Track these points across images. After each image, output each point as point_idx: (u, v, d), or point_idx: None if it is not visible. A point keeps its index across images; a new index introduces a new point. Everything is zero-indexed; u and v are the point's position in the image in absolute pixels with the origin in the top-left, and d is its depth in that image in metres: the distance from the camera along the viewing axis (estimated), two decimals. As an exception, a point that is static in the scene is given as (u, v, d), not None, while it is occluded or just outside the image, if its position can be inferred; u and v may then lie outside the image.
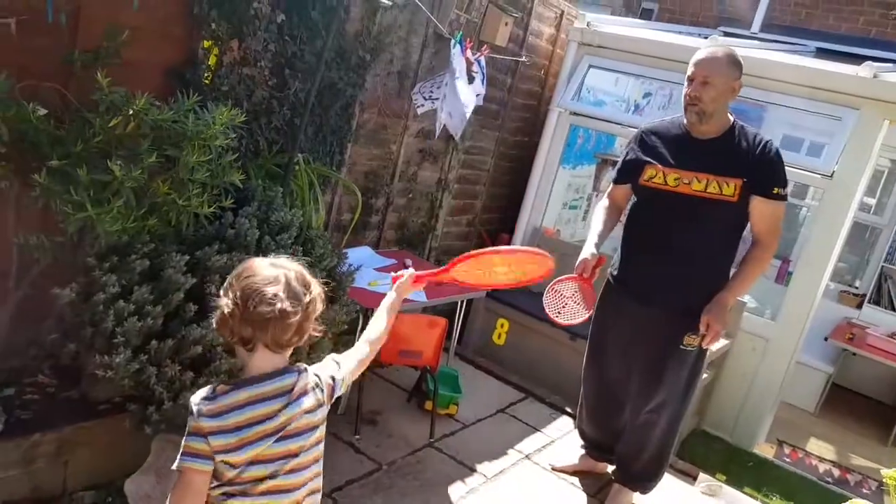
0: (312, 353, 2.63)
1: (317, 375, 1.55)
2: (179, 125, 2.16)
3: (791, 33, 5.61)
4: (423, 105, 3.77)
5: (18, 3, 2.13)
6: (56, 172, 2.02)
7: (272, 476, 1.43)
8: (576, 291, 2.67)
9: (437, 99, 3.73)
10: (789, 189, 2.64)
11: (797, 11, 6.19)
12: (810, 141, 5.40)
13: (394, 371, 3.78)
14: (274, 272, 1.44)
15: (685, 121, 2.68)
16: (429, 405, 3.42)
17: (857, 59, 4.16)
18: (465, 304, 3.86)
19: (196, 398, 1.41)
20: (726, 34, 5.60)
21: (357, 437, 3.13)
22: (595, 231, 2.81)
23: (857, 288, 6.01)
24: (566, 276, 2.68)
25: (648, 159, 2.72)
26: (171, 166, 2.19)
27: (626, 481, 2.99)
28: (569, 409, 3.83)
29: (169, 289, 2.21)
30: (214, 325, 1.45)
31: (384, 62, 3.61)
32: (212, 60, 2.78)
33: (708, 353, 2.82)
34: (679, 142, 2.68)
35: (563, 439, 3.59)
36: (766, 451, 4.37)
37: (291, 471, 1.46)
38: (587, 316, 2.66)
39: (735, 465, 4.02)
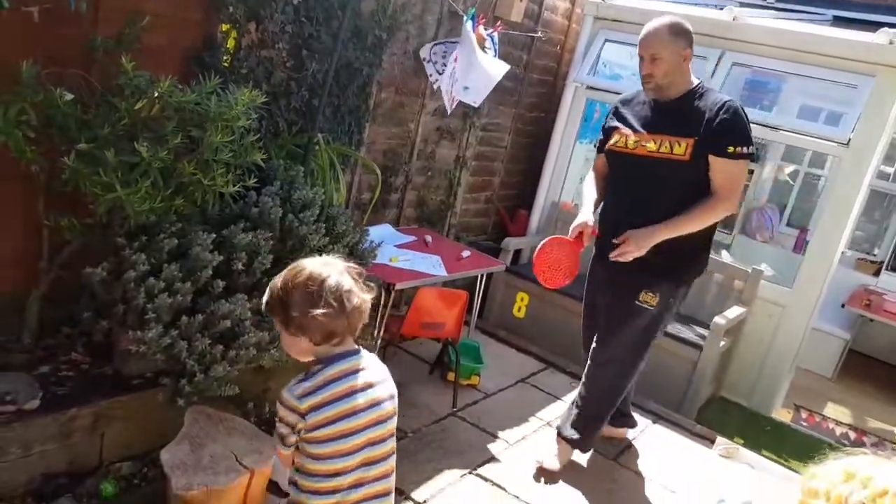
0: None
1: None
2: (202, 107, 2.22)
3: (807, 2, 5.53)
4: (432, 75, 3.79)
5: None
6: (84, 155, 2.09)
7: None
8: (560, 254, 2.77)
9: (442, 73, 3.76)
10: (752, 148, 2.62)
11: (814, -22, 6.08)
12: (828, 110, 5.36)
13: (416, 344, 3.85)
14: (338, 268, 1.56)
15: None
16: (451, 376, 3.49)
17: (875, 27, 4.12)
18: (484, 278, 3.91)
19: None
20: (742, 5, 5.53)
21: (381, 408, 3.21)
22: (589, 198, 2.89)
23: (874, 255, 5.99)
24: (559, 236, 2.80)
25: (615, 125, 2.82)
26: (196, 147, 2.25)
27: (562, 436, 3.00)
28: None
29: (197, 266, 2.28)
30: (297, 332, 1.55)
31: (400, 41, 3.64)
32: (230, 44, 2.84)
33: (665, 320, 2.86)
34: (641, 106, 2.78)
35: (582, 408, 3.65)
36: (783, 415, 4.42)
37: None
38: (571, 279, 2.79)
39: (753, 429, 4.08)
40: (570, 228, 2.78)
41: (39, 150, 2.18)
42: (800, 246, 5.49)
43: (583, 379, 2.99)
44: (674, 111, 2.67)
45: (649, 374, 3.99)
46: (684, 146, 2.61)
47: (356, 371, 1.60)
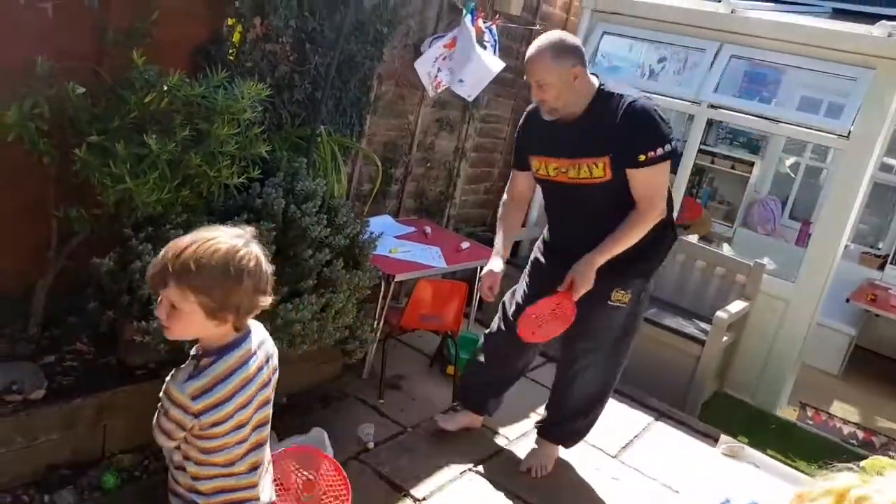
0: (337, 318, 2.73)
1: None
2: (210, 100, 2.25)
3: (807, -6, 5.54)
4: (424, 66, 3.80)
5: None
6: (95, 147, 2.12)
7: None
8: (556, 307, 2.57)
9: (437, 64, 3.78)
10: (668, 146, 2.42)
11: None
12: (829, 102, 5.36)
13: (416, 337, 3.87)
14: (253, 242, 1.46)
15: None
16: (451, 370, 3.51)
17: (874, 19, 4.13)
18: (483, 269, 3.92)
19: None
20: (743, -3, 5.54)
21: (381, 401, 3.23)
22: (501, 238, 2.79)
23: (879, 249, 5.99)
24: (544, 299, 2.57)
25: (531, 148, 2.71)
26: (202, 140, 2.28)
27: (550, 435, 2.99)
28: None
29: (201, 257, 2.30)
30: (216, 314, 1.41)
31: (400, 34, 3.66)
32: (236, 37, 2.86)
33: (641, 311, 2.78)
34: (550, 127, 2.58)
35: (583, 401, 3.67)
36: (788, 413, 4.38)
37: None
38: (567, 326, 2.59)
39: (758, 427, 4.04)
40: (481, 280, 2.72)
41: (52, 142, 2.21)
42: (803, 239, 5.49)
43: (557, 385, 2.91)
44: (580, 130, 2.50)
45: (650, 369, 4.03)
46: (601, 166, 2.47)
47: (249, 358, 1.50)
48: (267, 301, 1.47)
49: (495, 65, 3.80)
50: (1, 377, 2.21)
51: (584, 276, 2.47)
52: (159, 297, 1.41)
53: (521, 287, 2.93)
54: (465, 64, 3.73)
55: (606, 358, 2.80)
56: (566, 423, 2.95)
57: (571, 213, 2.70)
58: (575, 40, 2.48)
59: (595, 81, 2.50)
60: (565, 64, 2.40)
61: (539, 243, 2.93)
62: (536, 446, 3.04)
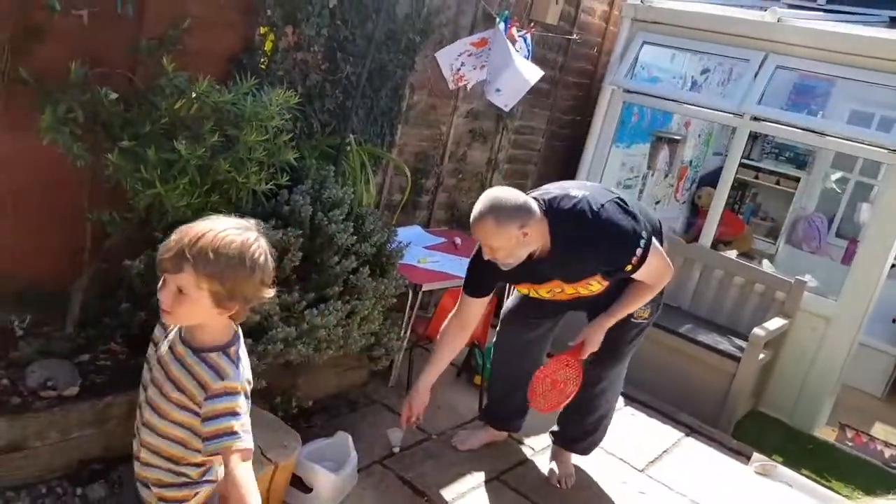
0: (363, 325, 2.74)
1: None
2: (239, 107, 2.29)
3: (862, 3, 5.37)
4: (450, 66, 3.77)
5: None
6: (126, 152, 2.18)
7: None
8: (566, 367, 2.65)
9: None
10: (643, 241, 2.35)
11: (867, -20, 5.90)
12: (881, 115, 5.20)
13: (446, 347, 3.85)
14: (254, 231, 1.48)
15: None
16: (477, 380, 3.50)
17: (934, 28, 3.98)
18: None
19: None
20: (791, 6, 5.41)
21: (408, 408, 3.23)
22: (437, 361, 2.70)
23: (929, 269, 5.74)
24: (553, 360, 2.68)
25: (507, 279, 2.64)
26: (231, 146, 2.32)
27: (569, 444, 2.99)
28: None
29: (229, 262, 2.34)
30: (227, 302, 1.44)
31: (433, 43, 3.67)
32: (268, 46, 2.91)
33: (651, 324, 2.80)
34: (522, 263, 2.41)
35: (613, 416, 3.60)
36: (827, 434, 4.26)
37: None
38: (575, 391, 2.64)
39: (793, 447, 3.94)
40: (408, 403, 2.66)
41: (85, 146, 2.27)
42: (849, 257, 5.30)
43: (584, 405, 2.87)
44: (557, 263, 2.42)
45: (683, 385, 3.95)
46: (596, 282, 2.52)
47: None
48: (270, 294, 1.50)
49: (533, 73, 3.75)
50: (37, 374, 2.27)
51: (594, 337, 2.58)
52: (162, 281, 1.43)
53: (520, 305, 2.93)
54: (502, 71, 3.69)
55: (621, 371, 2.86)
56: (589, 437, 2.96)
57: (566, 306, 2.77)
58: (516, 198, 2.29)
59: (540, 216, 2.33)
60: (510, 228, 2.26)
61: None
62: (555, 457, 3.02)
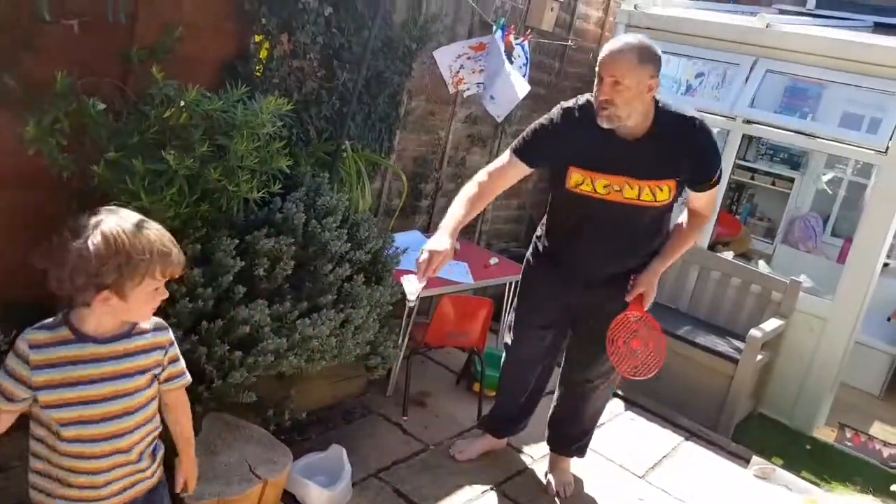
0: (357, 333, 2.71)
1: None
2: (229, 115, 2.28)
3: (848, 8, 5.41)
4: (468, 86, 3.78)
5: (81, 4, 2.26)
6: (113, 163, 2.16)
7: None
8: (637, 323, 2.44)
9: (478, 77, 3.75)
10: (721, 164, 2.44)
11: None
12: (871, 117, 5.21)
13: (445, 354, 3.84)
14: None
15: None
16: (476, 386, 3.47)
17: (918, 32, 4.02)
18: (513, 285, 3.88)
19: None
20: (782, 12, 5.44)
21: (405, 418, 3.20)
22: (458, 214, 2.41)
23: (926, 268, 5.75)
24: (624, 316, 2.44)
25: (570, 157, 2.40)
26: (223, 154, 2.31)
27: (567, 448, 2.94)
28: (619, 392, 3.83)
29: (219, 271, 2.32)
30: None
31: (430, 50, 3.66)
32: (263, 54, 2.90)
33: None
34: (603, 138, 2.32)
35: (612, 421, 3.60)
36: (826, 434, 4.26)
37: None
38: (660, 366, 2.42)
39: (793, 448, 3.95)
40: (419, 261, 2.24)
41: (71, 157, 2.25)
42: (845, 256, 5.31)
43: (565, 400, 2.85)
44: (647, 150, 2.32)
45: (682, 388, 3.94)
46: (666, 190, 2.37)
47: None
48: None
49: (521, 88, 3.74)
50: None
51: (653, 286, 2.48)
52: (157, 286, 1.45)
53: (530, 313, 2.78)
54: (495, 78, 3.70)
55: (613, 369, 2.71)
56: (584, 438, 2.93)
57: (605, 231, 2.47)
58: (659, 51, 2.27)
59: (652, 104, 2.32)
60: (647, 71, 2.21)
61: (536, 253, 2.76)
62: (552, 467, 2.98)
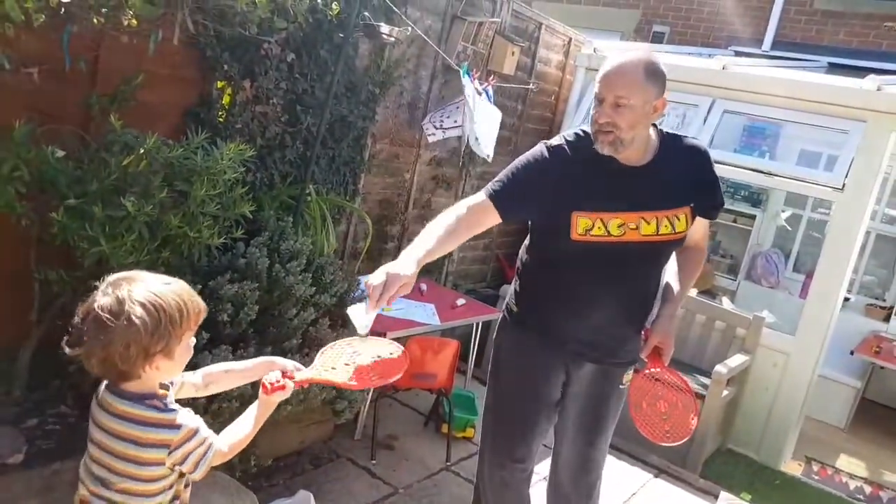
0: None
1: None
2: (189, 161, 2.28)
3: (803, 50, 5.64)
4: (433, 134, 3.88)
5: (41, 53, 2.26)
6: (72, 210, 2.14)
7: None
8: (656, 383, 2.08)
9: (450, 128, 3.85)
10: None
11: (808, 28, 6.20)
12: (828, 155, 5.38)
13: (412, 396, 3.81)
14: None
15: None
16: (445, 428, 3.45)
17: (868, 73, 4.19)
18: (480, 326, 3.90)
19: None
20: (738, 53, 5.65)
21: (373, 461, 3.16)
22: (429, 244, 1.99)
23: (884, 301, 5.90)
24: (643, 375, 2.08)
25: (571, 202, 2.01)
26: (183, 200, 2.30)
27: None
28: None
29: (182, 318, 2.29)
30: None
31: (394, 94, 3.72)
32: (226, 100, 2.92)
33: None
34: (603, 172, 2.00)
35: (581, 460, 3.58)
36: (793, 468, 4.30)
37: None
38: (695, 425, 2.04)
39: (761, 483, 3.98)
40: (371, 286, 1.80)
41: (31, 205, 2.23)
42: (806, 291, 5.41)
43: (568, 470, 2.40)
44: (653, 177, 2.02)
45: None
46: (683, 218, 2.06)
47: None
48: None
49: (495, 115, 3.86)
50: (-20, 441, 2.20)
51: (670, 336, 2.09)
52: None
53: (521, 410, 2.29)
54: (474, 119, 3.80)
55: (611, 432, 2.40)
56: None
57: (625, 280, 2.09)
58: (664, 68, 1.98)
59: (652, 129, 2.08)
60: (654, 90, 1.93)
61: (517, 328, 2.32)
62: None
